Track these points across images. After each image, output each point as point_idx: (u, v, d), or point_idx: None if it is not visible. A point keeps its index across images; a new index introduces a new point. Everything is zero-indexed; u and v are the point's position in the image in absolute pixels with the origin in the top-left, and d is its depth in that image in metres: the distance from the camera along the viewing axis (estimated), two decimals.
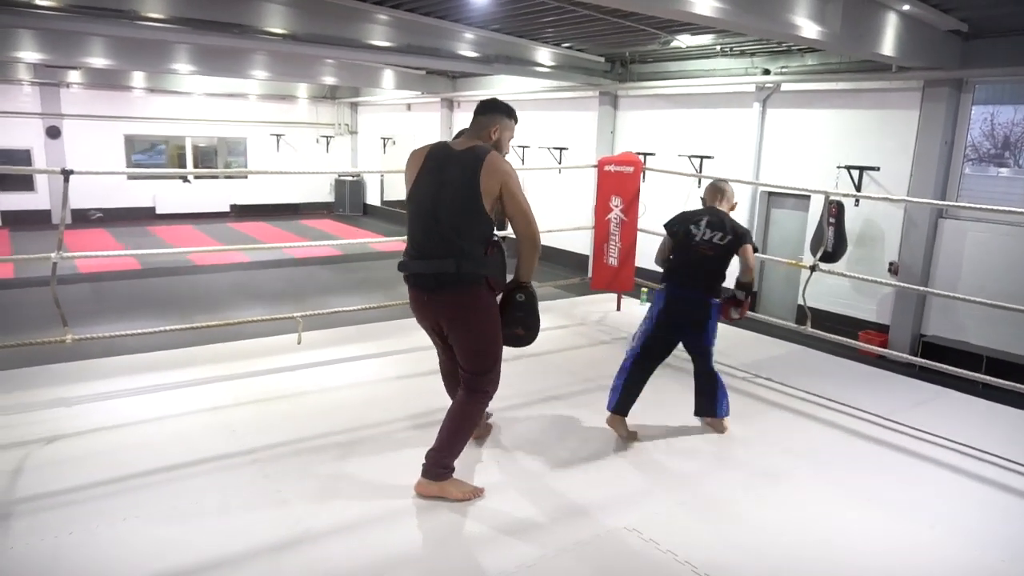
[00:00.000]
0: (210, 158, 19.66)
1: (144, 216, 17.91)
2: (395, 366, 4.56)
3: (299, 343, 4.50)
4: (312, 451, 3.34)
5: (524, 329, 3.03)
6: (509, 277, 3.03)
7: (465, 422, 3.01)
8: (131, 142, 18.24)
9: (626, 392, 3.63)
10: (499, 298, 3.00)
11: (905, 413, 4.11)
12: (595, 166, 5.71)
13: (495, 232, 2.95)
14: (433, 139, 14.64)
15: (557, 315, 5.89)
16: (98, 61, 11.78)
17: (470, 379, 3.00)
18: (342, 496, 2.97)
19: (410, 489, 2.99)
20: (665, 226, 3.77)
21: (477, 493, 3.03)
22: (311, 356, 4.51)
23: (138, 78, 16.57)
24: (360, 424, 3.63)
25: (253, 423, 3.58)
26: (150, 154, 18.82)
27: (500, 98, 3.22)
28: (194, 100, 18.31)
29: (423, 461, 2.98)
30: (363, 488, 3.04)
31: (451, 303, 2.90)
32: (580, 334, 5.44)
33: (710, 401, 3.76)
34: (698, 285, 3.63)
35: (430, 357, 4.73)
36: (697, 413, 3.81)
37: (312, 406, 3.84)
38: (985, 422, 4.11)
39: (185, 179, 18.66)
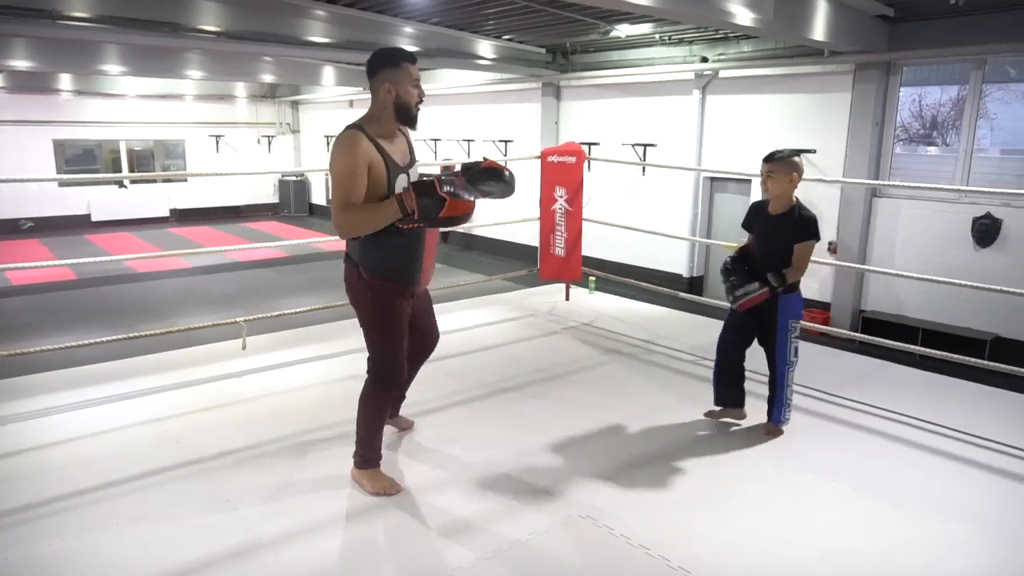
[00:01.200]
0: (147, 162, 19.03)
1: (79, 224, 17.25)
2: (344, 366, 4.49)
3: (244, 348, 4.40)
4: (261, 457, 3.27)
5: (494, 184, 2.80)
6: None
7: (364, 409, 2.97)
8: (62, 147, 17.53)
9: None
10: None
11: (848, 388, 4.24)
12: (538, 157, 5.72)
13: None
14: None
15: (508, 307, 5.90)
16: (21, 63, 11.28)
17: (367, 362, 2.96)
18: (293, 501, 2.91)
19: (358, 494, 2.97)
20: (815, 236, 3.47)
21: (390, 490, 2.97)
22: (257, 361, 4.42)
23: (67, 80, 15.92)
24: (310, 427, 3.58)
25: (199, 432, 3.48)
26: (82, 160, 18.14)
27: (382, 51, 2.82)
28: (128, 102, 17.68)
29: None
30: (315, 492, 2.99)
31: (345, 281, 2.92)
32: (531, 325, 5.46)
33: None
34: None
35: None
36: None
37: (260, 411, 3.76)
38: (922, 392, 4.27)
39: (121, 184, 18.05)
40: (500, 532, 2.74)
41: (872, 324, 8.79)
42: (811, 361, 4.81)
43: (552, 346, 5.01)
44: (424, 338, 3.22)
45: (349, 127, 2.74)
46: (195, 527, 2.71)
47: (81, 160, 18.28)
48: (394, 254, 2.79)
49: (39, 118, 16.67)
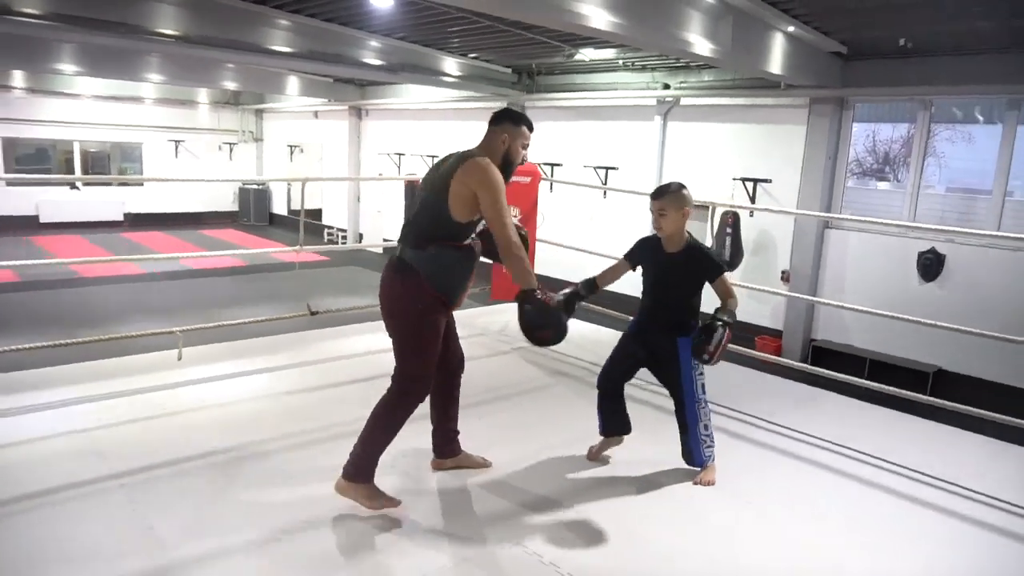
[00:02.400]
0: (102, 164, 18.56)
1: (26, 225, 16.69)
2: (285, 381, 4.38)
3: (180, 359, 4.25)
4: (186, 474, 3.14)
5: (551, 330, 2.92)
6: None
7: (379, 421, 2.91)
8: (12, 145, 16.99)
9: None
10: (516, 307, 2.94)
11: (789, 415, 4.28)
12: None
13: (461, 236, 2.92)
14: (341, 147, 14.30)
15: (457, 326, 5.83)
16: None
17: (394, 374, 2.96)
18: (216, 522, 2.80)
19: (292, 511, 2.87)
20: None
21: (388, 504, 2.93)
22: (192, 373, 4.26)
23: (18, 77, 15.47)
24: (241, 443, 3.45)
25: (123, 445, 3.33)
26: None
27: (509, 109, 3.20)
28: (84, 103, 17.23)
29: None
30: (241, 512, 2.88)
31: (383, 286, 2.96)
32: (480, 344, 5.40)
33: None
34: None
35: (323, 372, 4.62)
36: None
37: (190, 425, 3.63)
38: (859, 422, 4.33)
39: (73, 185, 17.55)
40: (428, 556, 2.67)
41: (822, 353, 8.95)
42: (757, 387, 4.86)
43: (499, 366, 4.96)
44: (456, 359, 3.26)
45: (480, 155, 2.93)
46: (107, 547, 2.58)
47: (32, 160, 17.73)
48: (460, 269, 2.96)
49: None
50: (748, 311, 9.64)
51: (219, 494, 3.01)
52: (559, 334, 2.94)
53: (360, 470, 2.90)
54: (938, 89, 7.83)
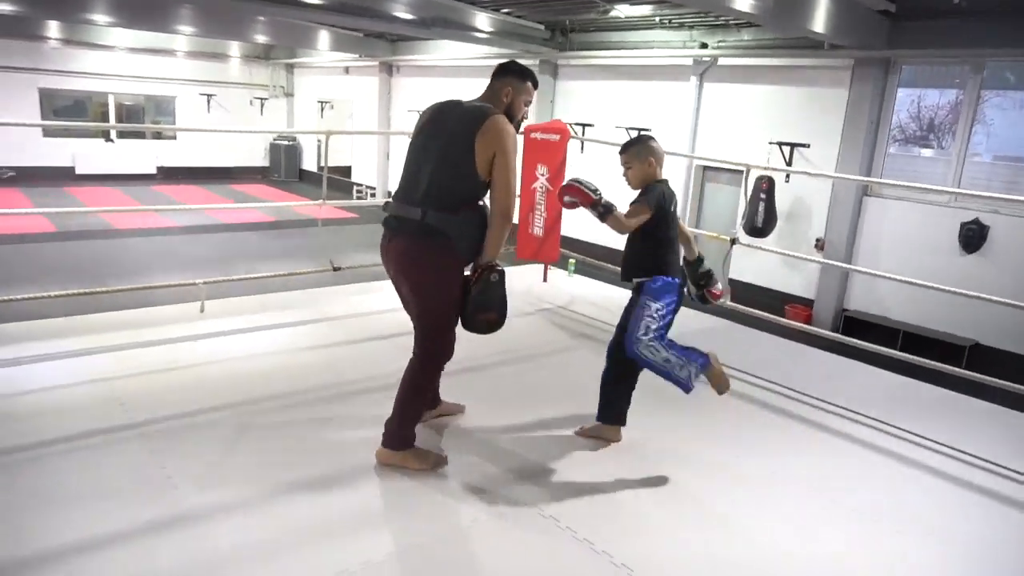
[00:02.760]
0: (136, 117, 18.68)
1: (62, 176, 16.93)
2: (307, 336, 4.38)
3: (202, 311, 4.27)
4: (206, 426, 3.15)
5: (497, 314, 2.83)
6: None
7: (410, 388, 2.89)
8: (49, 97, 17.16)
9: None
10: (468, 275, 2.82)
11: (817, 385, 4.17)
12: (521, 133, 5.57)
13: (481, 198, 2.83)
14: (371, 104, 14.13)
15: None
16: (3, 6, 10.94)
17: (417, 341, 2.90)
18: (233, 473, 2.81)
19: (308, 465, 2.87)
20: (659, 202, 3.06)
21: (440, 462, 2.94)
22: (215, 325, 4.28)
23: (54, 28, 15.51)
24: (261, 397, 3.46)
25: (144, 395, 3.36)
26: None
27: (514, 62, 3.02)
28: (117, 55, 17.28)
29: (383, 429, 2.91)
30: (257, 466, 2.88)
31: (404, 251, 2.80)
32: None
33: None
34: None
35: (345, 327, 4.61)
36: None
37: (211, 378, 3.64)
38: (894, 396, 4.20)
39: (108, 137, 17.72)
40: (445, 518, 2.65)
41: (854, 323, 8.75)
42: (785, 357, 4.74)
43: (523, 327, 4.90)
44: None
45: (498, 111, 2.81)
46: (124, 495, 2.60)
47: (69, 112, 17.92)
48: (482, 230, 2.83)
49: (24, 65, 16.29)
50: (779, 278, 9.44)
51: (237, 445, 3.02)
52: (501, 320, 2.87)
53: (401, 439, 2.91)
54: (993, 52, 7.44)
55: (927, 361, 4.22)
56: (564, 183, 3.06)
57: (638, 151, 3.18)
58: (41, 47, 16.40)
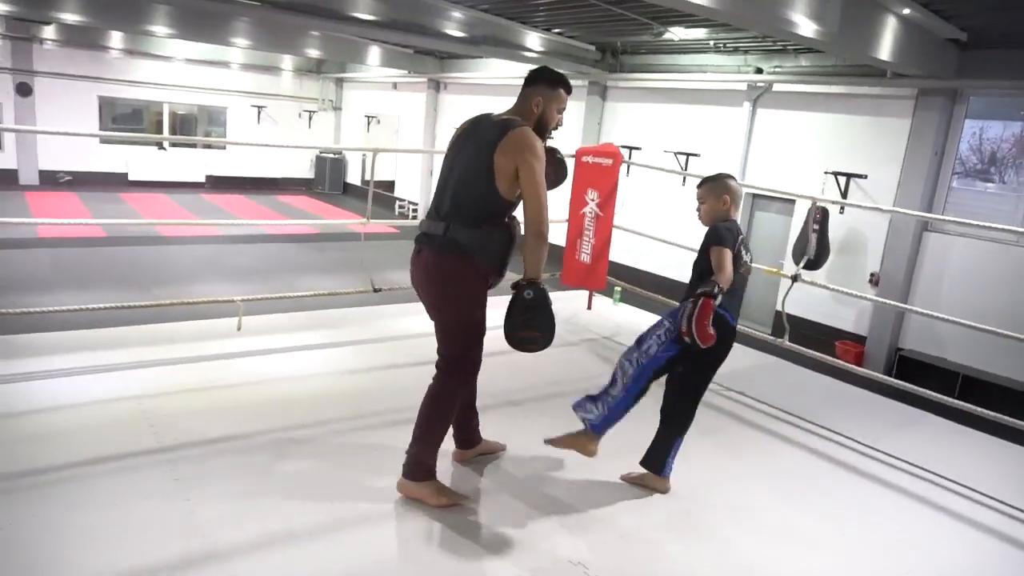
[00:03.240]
0: (189, 126, 19.11)
1: (116, 182, 17.35)
2: (348, 359, 4.26)
3: (239, 329, 4.18)
4: (236, 452, 3.03)
5: (539, 331, 2.69)
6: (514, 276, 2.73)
7: (432, 410, 2.76)
8: (107, 104, 17.65)
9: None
10: (508, 297, 2.70)
11: (884, 439, 3.89)
12: (572, 156, 5.43)
13: (507, 213, 2.73)
14: (418, 120, 14.16)
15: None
16: (70, 16, 11.25)
17: (439, 360, 2.80)
18: (260, 506, 2.67)
19: (327, 504, 2.73)
20: (721, 242, 2.94)
21: (457, 500, 2.79)
22: (251, 343, 4.18)
23: (116, 39, 15.97)
24: (297, 423, 3.33)
25: (174, 416, 3.26)
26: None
27: (546, 69, 2.87)
28: (174, 65, 17.72)
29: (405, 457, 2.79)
30: (287, 499, 2.75)
31: (427, 266, 2.76)
32: None
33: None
34: (737, 312, 3.17)
35: (384, 350, 4.48)
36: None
37: (244, 400, 3.53)
38: (960, 450, 3.90)
39: (160, 146, 18.13)
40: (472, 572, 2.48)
41: (909, 364, 8.34)
42: (846, 403, 4.46)
43: (565, 359, 4.71)
44: None
45: (521, 124, 2.70)
46: (145, 524, 2.48)
47: (126, 120, 18.41)
48: (507, 246, 2.75)
49: (86, 74, 16.78)
50: (829, 313, 9.07)
51: (266, 477, 2.89)
52: (547, 341, 2.71)
53: (421, 467, 2.76)
54: None
55: (989, 412, 3.86)
56: (696, 331, 2.75)
57: (714, 187, 3.10)
58: (103, 56, 16.89)
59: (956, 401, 3.94)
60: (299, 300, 5.07)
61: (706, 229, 3.06)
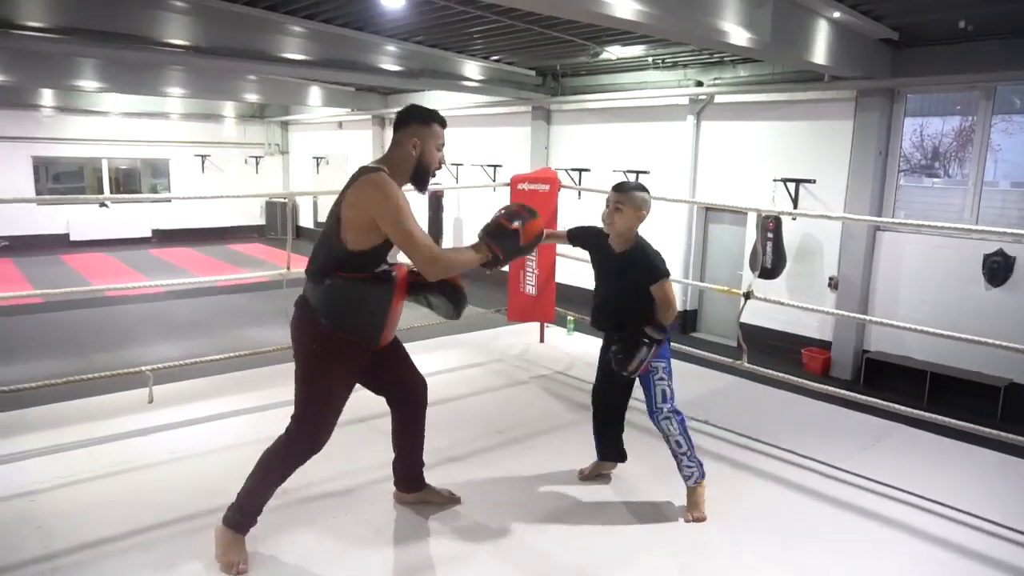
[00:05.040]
0: (132, 180, 18.58)
1: (56, 243, 16.72)
2: (273, 423, 3.89)
3: (150, 401, 3.81)
4: (142, 549, 2.67)
5: (441, 298, 2.69)
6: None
7: (268, 467, 2.57)
8: (43, 164, 17.07)
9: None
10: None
11: (854, 458, 3.66)
12: (506, 184, 5.20)
13: (355, 264, 2.49)
14: (366, 158, 13.95)
15: (471, 350, 5.33)
16: None
17: (291, 420, 2.60)
18: None
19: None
20: (666, 274, 2.96)
21: (238, 568, 2.52)
22: (165, 416, 3.77)
23: (47, 96, 15.49)
24: (215, 505, 2.96)
25: (67, 513, 2.86)
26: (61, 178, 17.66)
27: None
28: (111, 120, 17.25)
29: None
30: None
31: (291, 326, 2.63)
32: (496, 372, 4.87)
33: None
34: None
35: None
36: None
37: (154, 483, 3.16)
38: (933, 463, 3.69)
39: (102, 203, 17.56)
40: None
41: (876, 367, 8.22)
42: (815, 422, 4.24)
43: (517, 399, 4.43)
44: (406, 389, 2.90)
45: (374, 170, 2.52)
46: None
47: (66, 177, 17.83)
48: (369, 304, 2.55)
49: (18, 134, 16.22)
50: (793, 321, 8.94)
51: None
52: (452, 305, 2.73)
53: (239, 521, 2.56)
54: (1005, 75, 7.08)
55: (963, 424, 3.63)
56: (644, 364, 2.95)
57: (635, 198, 2.97)
58: (35, 115, 16.37)
59: (924, 414, 3.73)
60: (224, 361, 4.63)
61: (619, 244, 3.02)
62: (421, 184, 2.65)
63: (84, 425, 3.64)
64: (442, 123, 2.67)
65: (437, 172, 2.70)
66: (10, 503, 2.93)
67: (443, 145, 2.68)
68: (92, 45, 7.82)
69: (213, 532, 2.60)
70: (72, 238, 17.03)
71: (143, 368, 3.81)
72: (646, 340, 2.87)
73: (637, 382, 3.08)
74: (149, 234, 18.05)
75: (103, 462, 3.31)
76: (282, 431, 2.60)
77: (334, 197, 2.61)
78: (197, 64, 9.99)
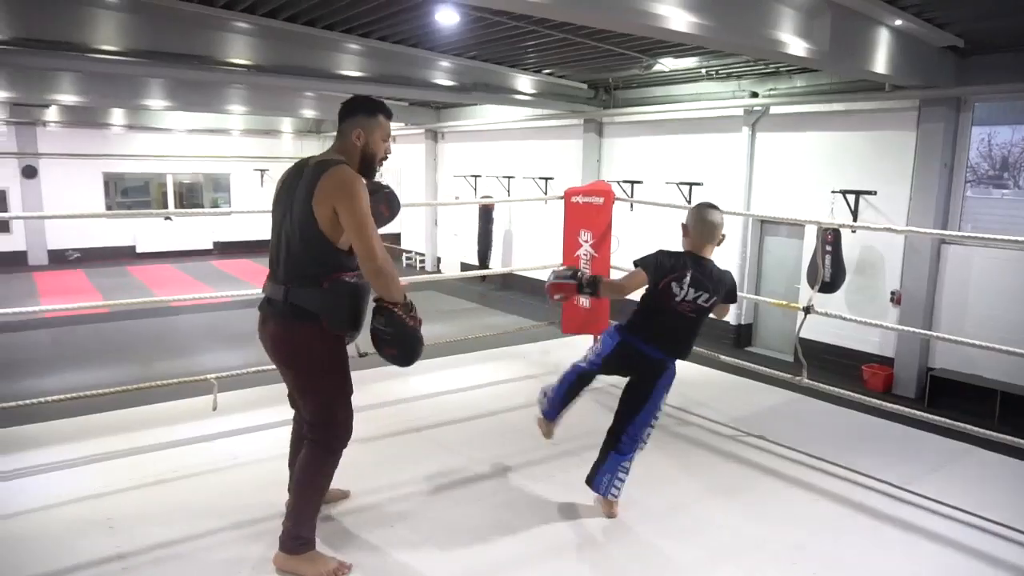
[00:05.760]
0: (195, 194, 19.30)
1: (124, 255, 17.46)
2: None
3: (215, 408, 3.92)
4: (207, 550, 2.76)
5: (396, 349, 2.51)
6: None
7: (305, 482, 2.58)
8: (112, 179, 17.86)
9: (564, 404, 3.32)
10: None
11: (921, 481, 3.53)
12: (561, 197, 5.21)
13: (351, 264, 2.51)
14: (419, 171, 14.20)
15: (524, 362, 5.33)
16: (67, 97, 11.48)
17: (308, 429, 2.61)
18: None
19: None
20: (641, 264, 3.01)
21: (339, 569, 2.54)
22: (228, 423, 3.88)
23: (117, 115, 16.25)
24: (275, 511, 3.03)
25: (139, 513, 2.97)
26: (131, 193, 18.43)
27: (363, 99, 2.67)
28: (175, 136, 17.98)
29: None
30: None
31: (272, 337, 2.59)
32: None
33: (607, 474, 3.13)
34: (666, 348, 3.06)
35: (374, 418, 4.20)
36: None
37: (219, 488, 3.25)
38: (1010, 489, 3.53)
39: (167, 217, 18.26)
40: None
41: (942, 385, 7.93)
42: (877, 442, 4.11)
43: (569, 411, 4.40)
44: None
45: (337, 161, 2.51)
46: None
47: (133, 192, 18.63)
48: (361, 302, 2.57)
49: (89, 151, 17.02)
50: (852, 336, 8.69)
51: None
52: (406, 358, 2.53)
53: (300, 540, 2.56)
54: None
55: None
56: (546, 285, 3.09)
57: (687, 215, 3.10)
58: (105, 133, 17.16)
59: (996, 435, 3.58)
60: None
61: None
62: (368, 173, 2.61)
63: (152, 430, 3.78)
64: (388, 114, 2.64)
65: (383, 163, 2.67)
66: (84, 504, 3.06)
67: (388, 136, 2.65)
68: (163, 66, 8.16)
69: (274, 564, 2.58)
70: (138, 250, 17.75)
71: (208, 376, 3.93)
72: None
73: (647, 390, 3.07)
74: (211, 246, 18.67)
75: (169, 465, 3.42)
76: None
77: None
78: (259, 82, 10.36)
